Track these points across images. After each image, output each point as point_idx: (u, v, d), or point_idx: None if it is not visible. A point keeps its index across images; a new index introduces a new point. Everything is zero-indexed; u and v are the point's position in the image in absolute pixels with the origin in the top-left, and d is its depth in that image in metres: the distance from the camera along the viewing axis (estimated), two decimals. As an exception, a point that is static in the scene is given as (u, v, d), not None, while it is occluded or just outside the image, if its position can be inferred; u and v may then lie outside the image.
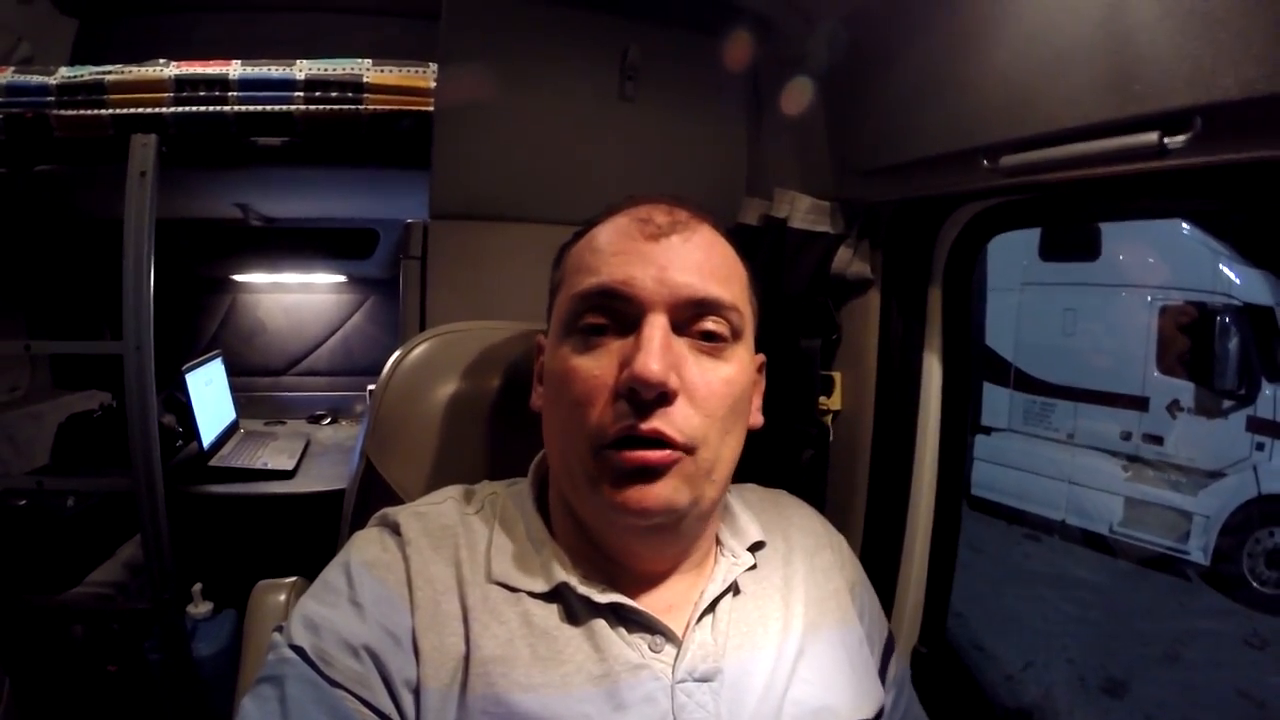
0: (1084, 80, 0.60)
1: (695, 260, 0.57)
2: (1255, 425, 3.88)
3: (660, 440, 0.53)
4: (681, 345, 0.56)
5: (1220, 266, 4.02)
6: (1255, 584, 3.82)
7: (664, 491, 0.54)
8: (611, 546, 0.60)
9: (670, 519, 0.56)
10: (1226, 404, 3.96)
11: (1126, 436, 4.31)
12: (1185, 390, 4.08)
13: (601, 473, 0.55)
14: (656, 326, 0.54)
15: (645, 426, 0.53)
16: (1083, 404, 4.55)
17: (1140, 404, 4.24)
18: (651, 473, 0.54)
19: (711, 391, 0.56)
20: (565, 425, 0.58)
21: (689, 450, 0.55)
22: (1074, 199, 0.83)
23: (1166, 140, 0.54)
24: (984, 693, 1.07)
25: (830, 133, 1.01)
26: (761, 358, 0.66)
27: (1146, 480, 4.23)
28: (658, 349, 0.53)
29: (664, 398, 0.53)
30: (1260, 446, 3.85)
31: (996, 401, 4.98)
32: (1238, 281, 3.98)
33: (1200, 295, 4.05)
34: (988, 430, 5.01)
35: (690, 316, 0.57)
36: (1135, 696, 3.08)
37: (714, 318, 0.57)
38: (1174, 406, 4.12)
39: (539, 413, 0.64)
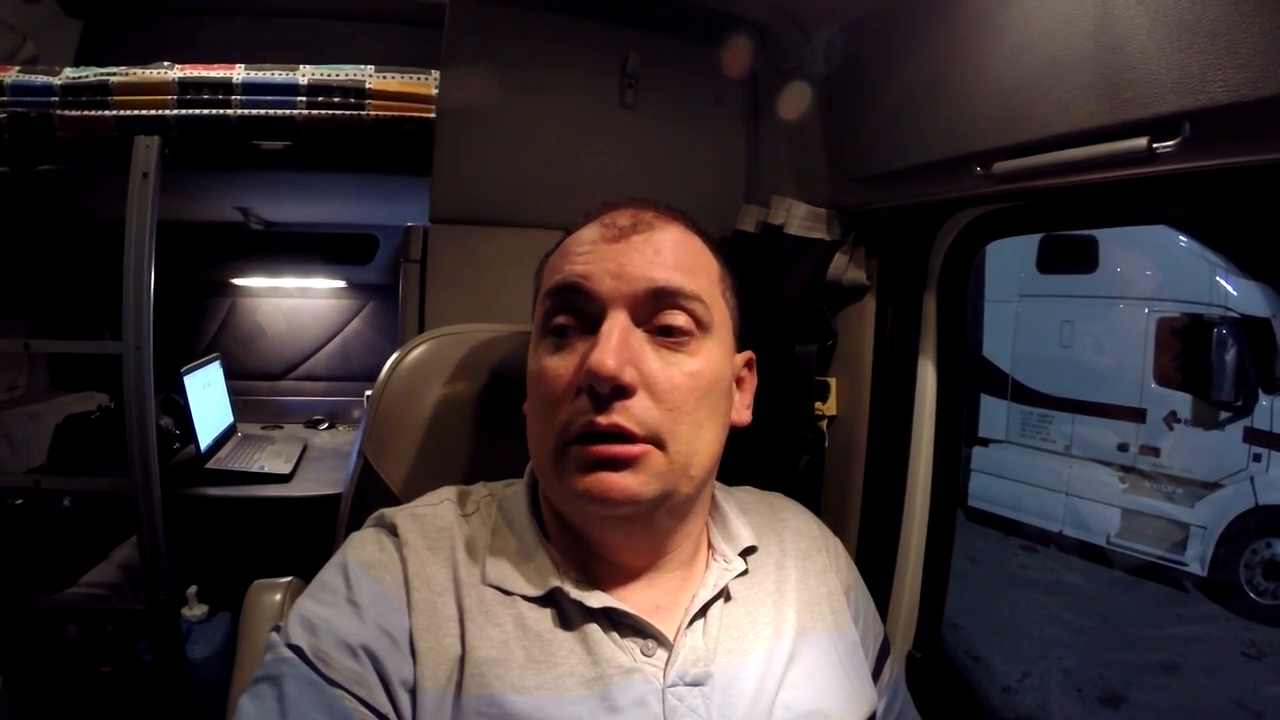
0: (1075, 87, 0.61)
1: (657, 256, 0.58)
2: (1252, 436, 3.89)
3: (623, 434, 0.54)
4: (641, 340, 0.57)
5: (1217, 278, 4.04)
6: (1252, 594, 3.82)
7: (629, 483, 0.54)
8: (590, 539, 0.61)
9: (637, 510, 0.56)
10: (1223, 415, 3.97)
11: (1124, 448, 4.32)
12: (1182, 402, 4.09)
13: (566, 465, 0.56)
14: (615, 323, 0.55)
15: (603, 420, 0.54)
16: (1080, 415, 4.55)
17: (1137, 415, 4.25)
18: (617, 464, 0.54)
19: (674, 385, 0.56)
20: (538, 423, 0.59)
21: (658, 444, 0.55)
22: (1067, 205, 0.84)
23: (1156, 145, 0.55)
24: (978, 698, 1.07)
25: (826, 140, 1.02)
26: (749, 355, 0.67)
27: (1144, 491, 4.24)
28: (614, 344, 0.54)
29: (621, 391, 0.54)
30: (1257, 458, 3.87)
31: (994, 413, 4.98)
32: (1234, 293, 4.00)
33: (1197, 307, 4.07)
34: (985, 442, 5.01)
35: (651, 310, 0.57)
36: (1132, 707, 3.07)
37: (676, 310, 0.58)
38: (1171, 418, 4.12)
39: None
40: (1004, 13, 0.67)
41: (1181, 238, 4.16)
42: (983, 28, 0.70)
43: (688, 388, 0.57)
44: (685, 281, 0.58)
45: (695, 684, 0.57)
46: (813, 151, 1.04)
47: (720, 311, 0.62)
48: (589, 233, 0.61)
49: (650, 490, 0.55)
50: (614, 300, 0.57)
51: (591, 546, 0.61)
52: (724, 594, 0.62)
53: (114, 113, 1.46)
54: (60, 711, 1.69)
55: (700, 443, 0.58)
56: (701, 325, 0.59)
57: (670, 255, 0.59)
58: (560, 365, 0.57)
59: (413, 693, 0.53)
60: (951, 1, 0.73)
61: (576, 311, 0.58)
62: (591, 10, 1.05)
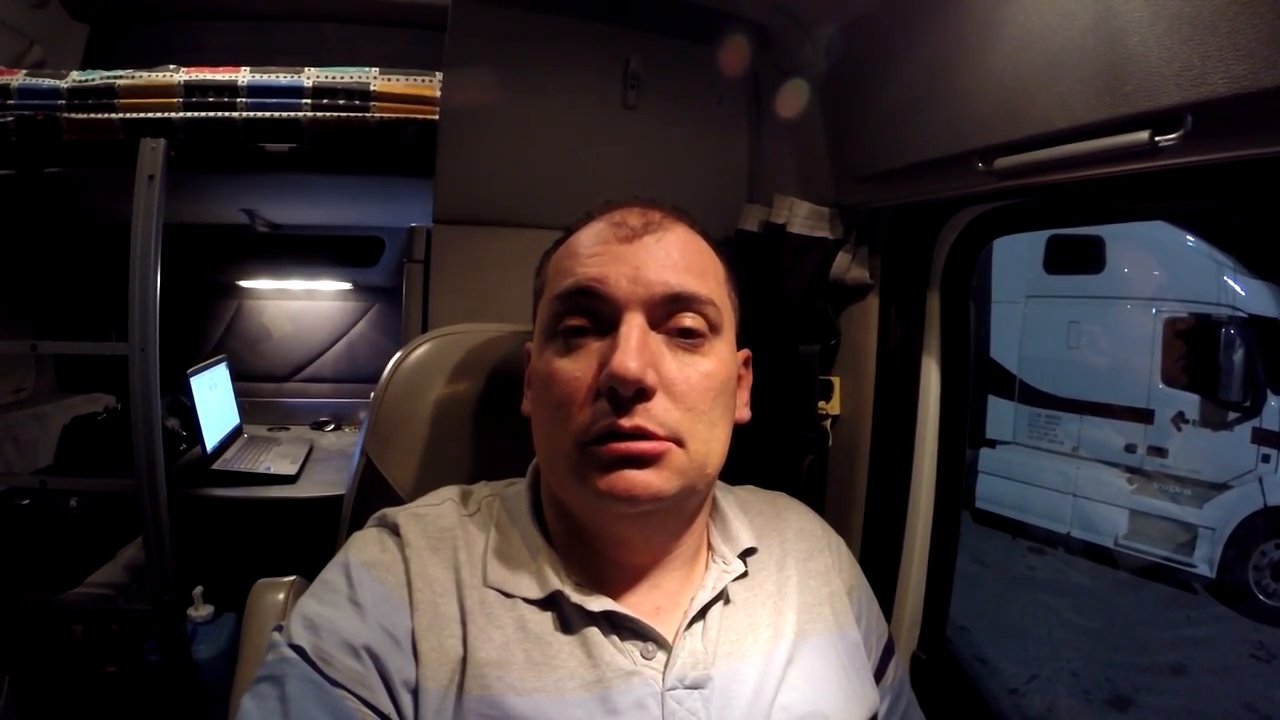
0: (1076, 82, 0.61)
1: (670, 258, 0.58)
2: (1261, 437, 3.86)
3: (644, 433, 0.54)
4: (659, 342, 0.57)
5: (1225, 278, 4.02)
6: (1261, 596, 3.80)
7: (653, 479, 0.54)
8: (602, 540, 0.60)
9: (657, 507, 0.56)
10: (1231, 416, 3.95)
11: (1131, 449, 4.30)
12: (1190, 402, 4.07)
13: (587, 465, 0.55)
14: (633, 325, 0.55)
15: (626, 423, 0.54)
16: (1087, 417, 4.53)
17: (1145, 416, 4.23)
18: (640, 461, 0.54)
19: (691, 386, 0.56)
20: (550, 426, 0.59)
21: (678, 443, 0.55)
22: (1070, 201, 0.83)
23: (1158, 139, 0.55)
24: (984, 700, 1.06)
25: (828, 139, 1.02)
26: (746, 353, 0.67)
27: (1151, 493, 4.21)
28: (634, 347, 0.54)
29: (642, 394, 0.54)
30: (1266, 459, 3.84)
31: (1001, 414, 4.96)
32: (1242, 293, 3.98)
33: (1205, 307, 4.05)
34: (992, 443, 4.99)
35: (667, 313, 0.57)
36: (1140, 709, 3.05)
37: (690, 313, 0.58)
38: (1179, 419, 4.10)
39: (530, 417, 0.65)
40: (1004, 8, 0.67)
41: (1189, 237, 4.14)
42: (983, 23, 0.70)
43: (704, 388, 0.57)
44: (699, 285, 0.58)
45: (695, 687, 0.56)
46: (815, 150, 1.04)
47: (727, 312, 0.62)
48: (597, 232, 0.61)
49: (673, 486, 0.55)
50: (630, 303, 0.56)
51: (597, 547, 0.61)
52: (723, 596, 0.62)
53: (120, 115, 1.47)
54: (65, 711, 1.69)
55: (716, 441, 0.58)
56: (713, 327, 0.59)
57: (683, 258, 0.59)
58: (574, 367, 0.57)
59: (415, 693, 0.53)
60: (952, -2, 0.73)
61: (590, 313, 0.58)
62: (593, 11, 1.05)
